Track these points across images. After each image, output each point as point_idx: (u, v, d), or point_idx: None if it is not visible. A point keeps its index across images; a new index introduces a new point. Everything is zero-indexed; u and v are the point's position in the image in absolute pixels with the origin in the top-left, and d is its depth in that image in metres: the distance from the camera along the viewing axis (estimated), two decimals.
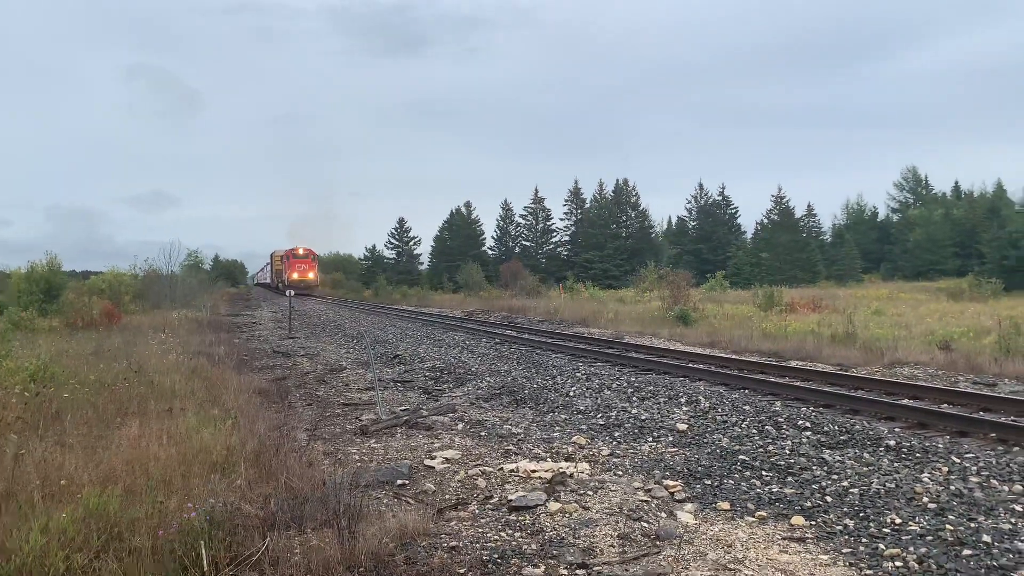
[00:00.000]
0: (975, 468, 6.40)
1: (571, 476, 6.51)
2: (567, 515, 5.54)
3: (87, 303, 24.00)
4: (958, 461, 6.62)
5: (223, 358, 14.34)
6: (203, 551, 4.28)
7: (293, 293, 32.84)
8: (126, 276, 33.40)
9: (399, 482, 6.53)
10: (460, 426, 8.90)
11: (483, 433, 8.47)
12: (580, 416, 9.30)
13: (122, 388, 9.39)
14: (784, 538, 5.05)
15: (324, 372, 13.99)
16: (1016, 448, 7.16)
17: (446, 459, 7.26)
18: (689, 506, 5.73)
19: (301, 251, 64.72)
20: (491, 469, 6.83)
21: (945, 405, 9.26)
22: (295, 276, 61.58)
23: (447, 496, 6.14)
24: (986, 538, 4.85)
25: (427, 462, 7.19)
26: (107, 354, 13.35)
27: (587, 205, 76.79)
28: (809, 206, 77.04)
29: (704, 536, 5.11)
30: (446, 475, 6.76)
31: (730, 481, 6.35)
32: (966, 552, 4.67)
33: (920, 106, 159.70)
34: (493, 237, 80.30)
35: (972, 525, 5.12)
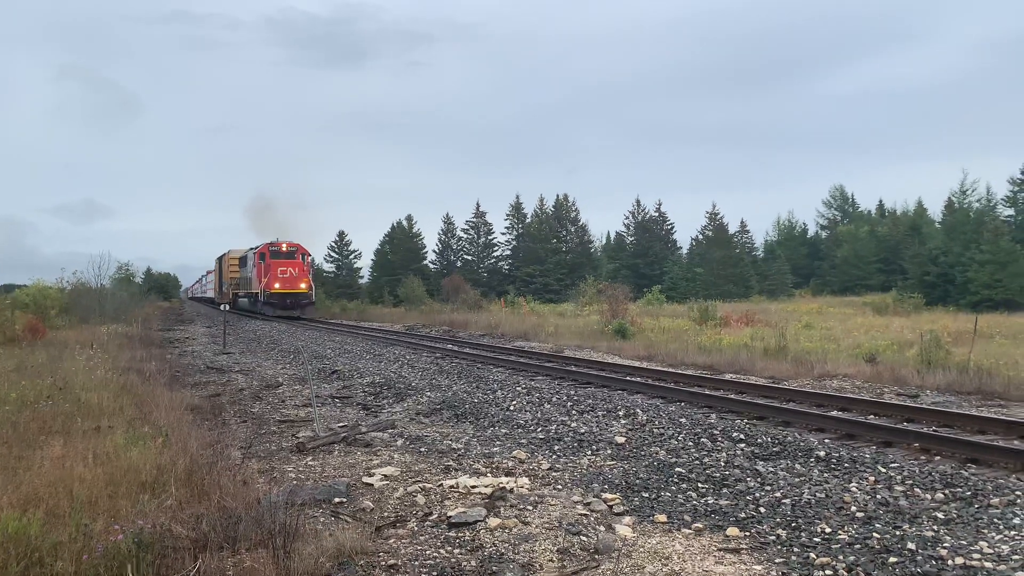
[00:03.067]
0: (900, 477, 6.64)
1: (511, 491, 6.51)
2: (507, 531, 5.53)
3: (9, 317, 22.97)
4: (884, 471, 6.85)
5: (154, 374, 13.91)
6: (130, 575, 4.14)
7: (227, 307, 30.59)
8: (52, 289, 32.09)
9: (337, 500, 6.42)
10: (400, 442, 8.81)
11: (423, 449, 8.40)
12: (520, 430, 9.31)
13: (46, 406, 9.01)
14: (720, 549, 5.14)
15: (260, 388, 13.70)
16: (938, 457, 7.45)
17: (385, 476, 7.18)
18: (627, 519, 5.79)
19: (285, 247, 40.41)
20: (431, 485, 6.78)
21: (872, 416, 9.58)
22: (277, 286, 38.94)
23: (386, 513, 6.07)
24: (911, 545, 5.03)
25: (366, 479, 7.09)
26: (30, 371, 12.82)
27: (528, 220, 77.23)
28: (742, 222, 79.07)
29: (642, 549, 5.16)
30: (385, 492, 6.69)
31: (667, 493, 6.44)
32: (892, 559, 4.83)
33: (846, 126, 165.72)
34: (435, 251, 79.90)
35: (897, 533, 5.30)
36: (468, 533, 5.49)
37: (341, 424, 9.95)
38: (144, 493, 5.64)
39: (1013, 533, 5.23)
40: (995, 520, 5.51)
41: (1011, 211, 59.43)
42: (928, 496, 6.14)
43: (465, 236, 79.56)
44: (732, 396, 11.11)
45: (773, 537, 5.33)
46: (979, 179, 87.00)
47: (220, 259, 56.98)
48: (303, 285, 39.62)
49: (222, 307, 32.80)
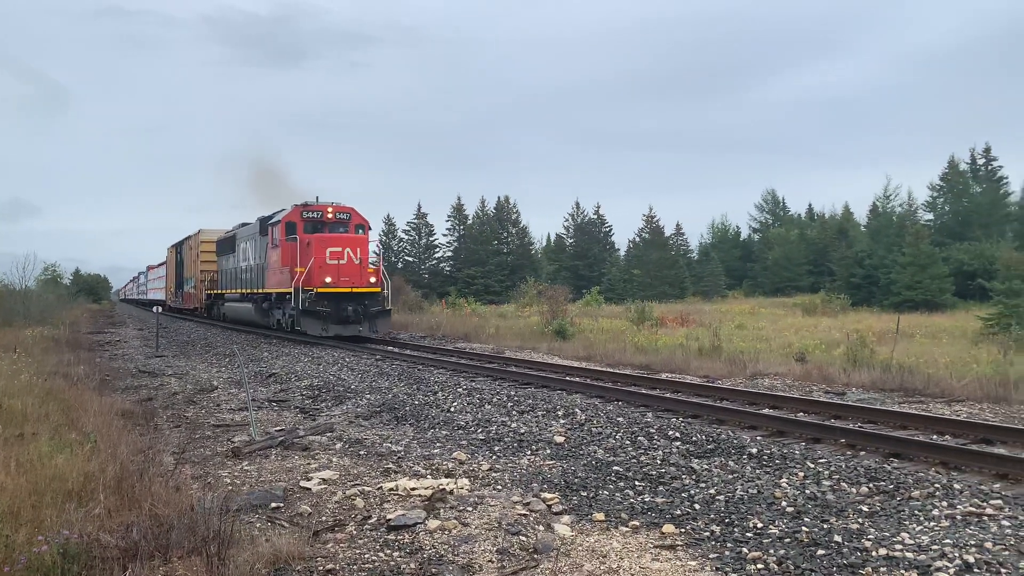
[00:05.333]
0: (827, 472, 6.87)
1: (451, 492, 6.51)
2: (447, 532, 5.53)
3: None
4: (813, 466, 7.08)
5: (83, 378, 13.44)
6: None
7: (159, 309, 29.64)
8: None
9: (273, 505, 6.33)
10: (338, 445, 8.72)
11: (362, 452, 8.33)
12: (461, 432, 9.31)
13: None
14: (656, 546, 5.25)
15: (194, 392, 13.36)
16: (863, 452, 7.74)
17: (323, 480, 7.09)
18: (566, 518, 5.85)
19: (332, 212, 23.66)
20: (370, 488, 6.73)
21: (801, 414, 9.89)
22: (327, 280, 21.51)
23: (324, 518, 6.01)
24: (837, 538, 5.22)
25: (303, 483, 7.00)
26: None
27: (469, 221, 77.16)
28: (678, 225, 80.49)
29: (580, 548, 5.23)
30: (323, 496, 6.61)
31: (605, 492, 6.53)
32: (820, 552, 5.00)
33: (778, 133, 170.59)
34: (375, 252, 79.15)
35: (825, 526, 5.49)
36: (407, 536, 5.47)
37: (278, 428, 9.79)
38: (71, 502, 5.45)
39: (933, 524, 5.47)
40: (916, 512, 5.75)
41: (931, 215, 62.07)
42: (854, 490, 6.37)
43: (406, 237, 79.04)
44: (668, 395, 11.32)
45: (707, 533, 5.47)
46: (901, 185, 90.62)
47: (179, 246, 41.98)
48: (372, 279, 22.01)
49: (155, 309, 29.93)
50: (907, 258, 44.06)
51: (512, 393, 11.79)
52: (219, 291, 32.75)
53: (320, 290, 21.20)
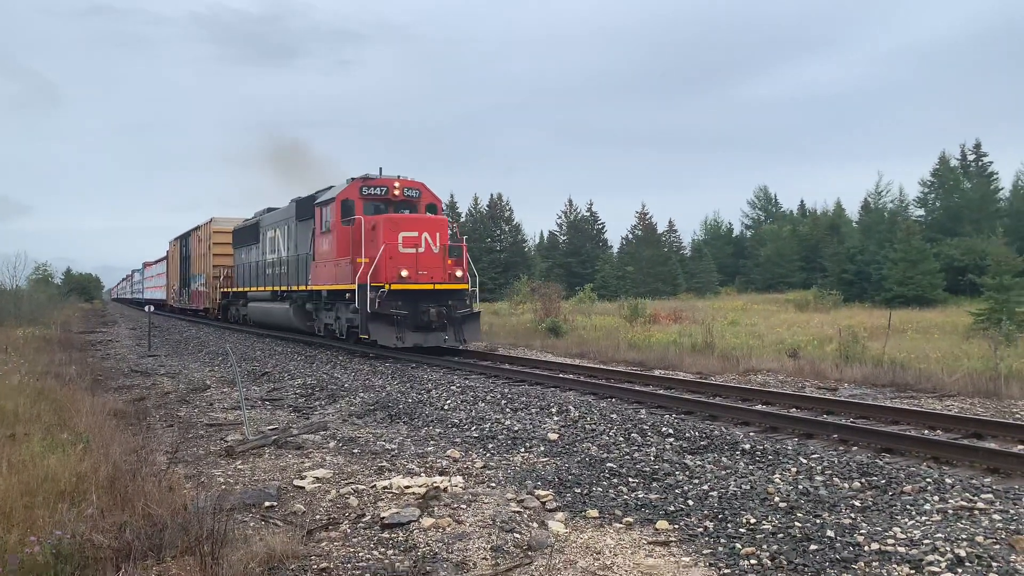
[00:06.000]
0: (820, 467, 6.90)
1: (445, 490, 6.51)
2: (441, 530, 5.54)
3: None
4: (805, 462, 7.11)
5: (75, 378, 13.37)
6: None
7: (151, 309, 28.27)
8: None
9: (267, 504, 6.32)
10: (332, 444, 8.71)
11: (356, 450, 8.33)
12: (455, 429, 9.31)
13: None
14: (650, 542, 5.26)
15: (187, 391, 13.32)
16: (855, 447, 7.78)
17: (317, 478, 7.09)
18: (560, 515, 5.86)
19: (400, 188, 18.45)
20: (364, 487, 6.73)
21: (793, 409, 9.93)
22: (404, 274, 16.43)
23: (318, 516, 6.00)
24: (830, 533, 5.24)
25: (297, 482, 6.99)
26: None
27: (463, 219, 77.10)
28: (670, 222, 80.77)
29: (574, 544, 5.24)
30: (317, 495, 6.61)
31: (599, 489, 6.55)
32: (813, 547, 5.02)
33: (771, 130, 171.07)
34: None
35: (818, 521, 5.52)
36: (401, 534, 5.48)
37: (272, 427, 9.77)
38: (63, 502, 5.44)
39: (924, 518, 5.50)
40: (908, 506, 5.78)
41: (922, 211, 62.28)
42: (846, 485, 6.40)
43: None
44: (661, 392, 11.34)
45: (701, 529, 5.48)
46: (892, 181, 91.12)
47: (184, 239, 37.35)
48: (458, 273, 17.41)
49: (147, 308, 28.25)
50: (898, 254, 44.20)
51: (506, 390, 11.79)
52: (238, 289, 27.90)
53: (394, 287, 16.20)
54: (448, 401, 11.10)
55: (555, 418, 9.58)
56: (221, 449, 8.45)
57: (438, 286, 16.89)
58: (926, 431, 8.41)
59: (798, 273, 65.44)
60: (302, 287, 20.46)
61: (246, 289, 26.59)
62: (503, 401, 10.86)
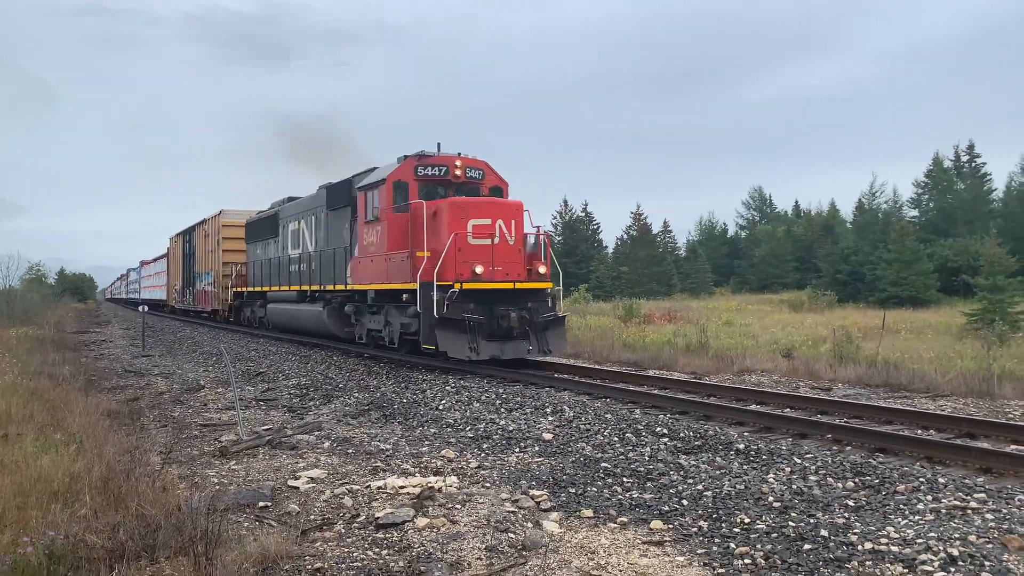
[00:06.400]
0: (814, 467, 6.91)
1: (439, 490, 6.51)
2: (435, 530, 5.54)
3: None
4: (799, 461, 7.12)
5: (68, 378, 13.34)
6: None
7: (145, 309, 28.15)
8: None
9: (261, 504, 6.31)
10: (326, 444, 8.70)
11: (350, 450, 8.32)
12: (449, 429, 9.31)
13: None
14: (644, 542, 5.27)
15: (181, 392, 13.30)
16: (849, 447, 7.79)
17: (311, 479, 7.08)
18: (554, 515, 5.87)
19: (461, 167, 15.25)
20: (358, 487, 6.72)
21: (788, 409, 9.94)
22: (478, 271, 13.46)
23: (312, 517, 6.00)
24: (824, 532, 5.25)
25: (291, 482, 6.98)
26: None
27: None
28: (665, 223, 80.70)
29: (569, 544, 5.24)
30: (311, 495, 6.60)
31: (593, 488, 6.55)
32: (807, 547, 5.04)
33: (765, 131, 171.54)
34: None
35: (812, 521, 5.53)
36: (396, 534, 5.47)
37: (266, 427, 9.76)
38: (56, 503, 5.42)
39: (917, 518, 5.52)
40: (901, 506, 5.80)
41: (915, 212, 62.51)
42: (840, 485, 6.41)
43: None
44: (655, 392, 11.35)
45: (695, 529, 5.49)
46: (887, 182, 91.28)
47: (187, 235, 34.64)
48: (542, 269, 14.81)
49: (140, 309, 27.52)
50: (892, 254, 44.34)
51: (500, 391, 11.79)
52: (253, 288, 24.96)
53: (467, 286, 13.26)
54: (443, 401, 11.09)
55: (550, 418, 9.59)
56: (215, 449, 8.44)
57: (519, 285, 13.99)
58: (919, 431, 8.44)
59: (792, 274, 65.58)
60: (338, 286, 17.53)
61: (264, 288, 23.55)
62: (498, 401, 10.86)
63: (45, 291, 47.03)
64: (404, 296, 14.30)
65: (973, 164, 64.34)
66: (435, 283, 13.12)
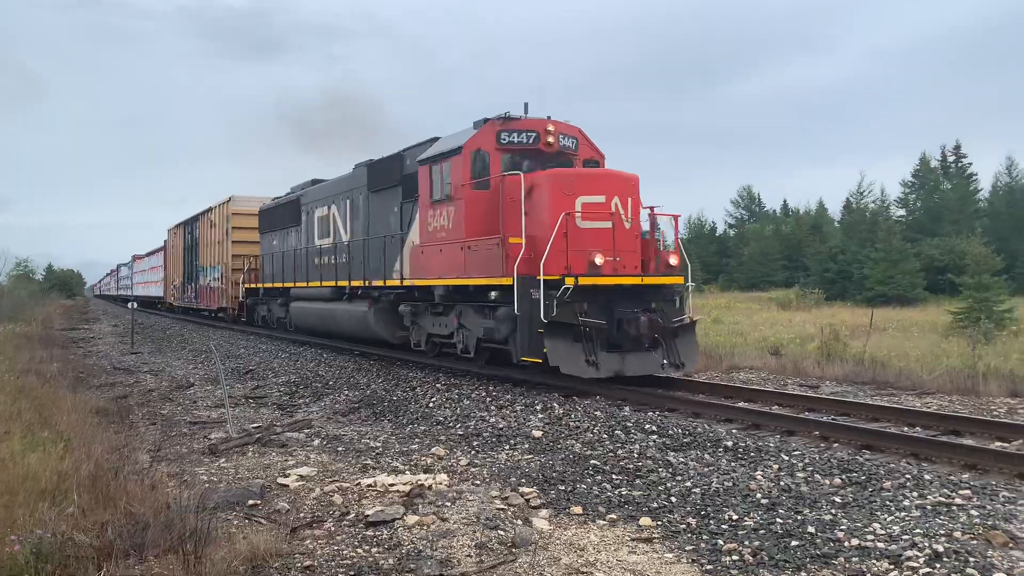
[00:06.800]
0: (801, 464, 6.96)
1: (429, 488, 6.52)
2: (425, 527, 5.55)
3: None
4: (787, 458, 7.17)
5: (56, 376, 13.26)
6: None
7: (134, 305, 27.99)
8: None
9: (251, 502, 6.30)
10: (316, 442, 8.70)
11: (340, 448, 8.32)
12: (439, 427, 9.32)
13: None
14: (633, 539, 5.30)
15: (170, 389, 13.25)
16: (836, 444, 7.85)
17: (301, 476, 7.08)
18: (544, 512, 5.89)
19: (554, 134, 12.51)
20: (348, 485, 6.72)
21: (775, 407, 10.00)
22: (597, 260, 10.70)
23: (302, 514, 6.00)
24: (811, 529, 5.30)
25: (281, 480, 6.98)
26: None
27: None
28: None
29: (558, 541, 5.27)
30: (301, 493, 6.60)
31: (583, 485, 6.58)
32: (794, 543, 5.07)
33: (753, 128, 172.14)
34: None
35: (799, 517, 5.57)
36: (386, 531, 5.48)
37: (256, 425, 9.74)
38: (44, 501, 5.40)
39: (903, 515, 5.57)
40: (887, 503, 5.85)
41: (903, 211, 62.87)
42: (827, 482, 6.46)
43: None
44: (645, 389, 11.38)
45: (684, 526, 5.53)
46: (874, 181, 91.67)
47: (189, 225, 32.31)
48: (672, 260, 11.93)
49: (130, 305, 27.20)
50: (879, 253, 44.57)
51: (491, 388, 11.80)
52: (270, 284, 22.32)
53: (584, 281, 10.51)
54: (433, 399, 11.10)
55: (539, 415, 9.61)
56: (204, 447, 8.42)
57: (648, 280, 11.27)
58: (905, 428, 8.51)
59: (781, 272, 65.77)
60: (391, 282, 14.75)
61: (285, 284, 20.84)
62: (488, 399, 10.87)
63: (33, 287, 46.68)
64: (492, 294, 11.56)
65: (960, 164, 64.76)
66: (543, 278, 10.36)
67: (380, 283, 15.24)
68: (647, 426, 8.73)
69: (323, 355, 17.53)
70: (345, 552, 5.12)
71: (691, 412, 9.71)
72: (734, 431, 8.54)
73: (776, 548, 5.00)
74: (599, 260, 10.80)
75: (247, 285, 24.53)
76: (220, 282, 26.94)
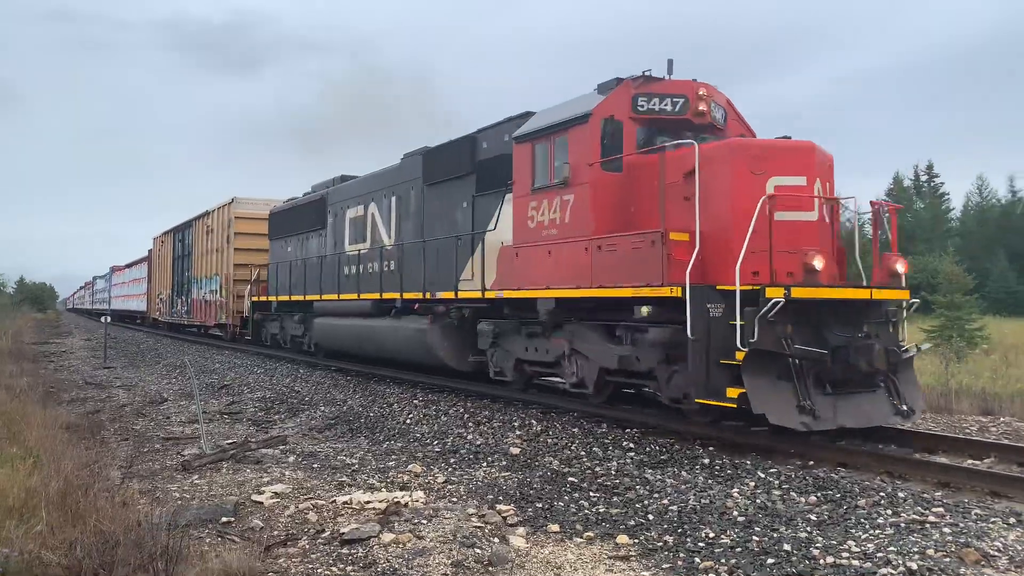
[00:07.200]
0: (778, 482, 6.99)
1: (406, 505, 6.47)
2: (401, 546, 5.50)
3: None
4: (763, 476, 7.20)
5: (25, 390, 13.02)
6: None
7: (107, 319, 27.73)
8: None
9: (224, 519, 6.22)
10: (292, 458, 8.61)
11: (316, 465, 8.24)
12: (416, 444, 9.27)
13: None
14: (610, 557, 5.28)
15: (143, 404, 13.07)
16: (812, 462, 7.89)
17: (276, 493, 7.00)
18: (521, 530, 5.86)
19: (705, 100, 9.82)
20: (323, 502, 6.66)
21: (753, 426, 10.02)
22: (815, 262, 7.92)
23: (276, 532, 5.92)
24: (787, 547, 5.31)
25: (255, 497, 6.89)
26: None
27: None
28: None
29: (535, 559, 5.24)
30: (275, 510, 6.52)
31: (560, 503, 6.56)
32: (770, 560, 5.09)
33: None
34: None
35: (775, 535, 5.59)
36: (361, 549, 5.43)
37: (230, 441, 9.62)
38: (11, 519, 5.30)
39: (878, 532, 5.60)
40: (862, 520, 5.89)
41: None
42: (803, 499, 6.50)
43: None
44: (624, 405, 11.37)
45: (661, 543, 5.52)
46: (848, 200, 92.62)
47: (180, 232, 29.73)
48: (899, 266, 8.94)
49: (103, 319, 25.99)
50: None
51: (468, 404, 11.76)
52: (283, 298, 19.11)
53: (800, 293, 7.72)
54: (410, 415, 11.04)
55: (517, 432, 9.58)
56: (177, 464, 8.30)
57: (878, 293, 8.55)
58: (880, 445, 8.57)
59: None
60: (468, 293, 11.76)
61: (307, 297, 17.57)
62: (465, 415, 10.83)
63: (3, 301, 45.95)
64: (643, 310, 8.80)
65: (932, 183, 65.95)
66: (737, 287, 7.64)
67: (447, 295, 12.25)
68: (624, 443, 8.73)
69: (299, 370, 17.40)
70: (320, 571, 5.06)
71: (668, 429, 9.53)
72: (711, 448, 8.53)
73: (752, 566, 5.00)
74: (818, 264, 8.03)
75: (254, 298, 21.52)
76: (218, 295, 24.23)
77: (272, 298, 20.09)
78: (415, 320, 13.36)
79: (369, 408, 11.81)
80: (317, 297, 17.11)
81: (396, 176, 14.61)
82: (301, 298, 17.96)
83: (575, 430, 9.50)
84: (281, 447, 9.18)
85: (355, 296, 15.34)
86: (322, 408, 12.07)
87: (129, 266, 45.14)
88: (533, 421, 10.10)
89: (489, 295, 11.23)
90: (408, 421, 10.65)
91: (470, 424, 10.24)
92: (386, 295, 14.17)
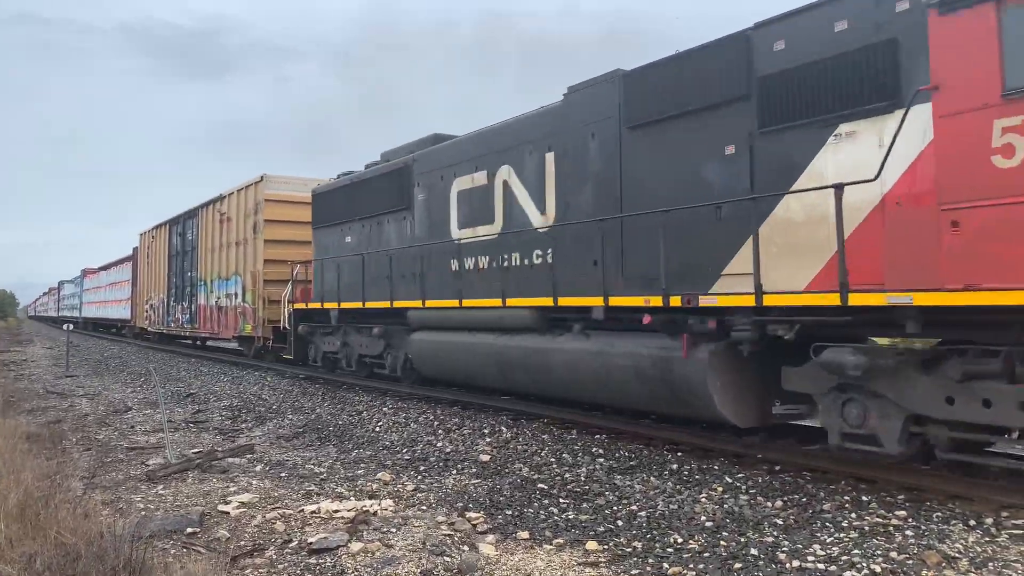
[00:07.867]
0: (745, 487, 7.06)
1: (375, 514, 6.43)
2: (369, 555, 5.46)
3: None
4: (731, 481, 7.27)
5: None
6: None
7: (70, 327, 27.53)
8: None
9: (189, 530, 6.13)
10: (259, 467, 8.51)
11: (283, 474, 8.15)
12: (386, 451, 9.21)
13: None
14: (579, 563, 5.29)
15: (106, 413, 12.84)
16: (778, 467, 7.97)
17: (242, 503, 6.91)
18: (491, 537, 5.85)
19: None
20: (291, 511, 6.59)
21: (722, 432, 10.10)
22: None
23: (242, 542, 5.85)
24: (754, 551, 5.36)
25: (221, 507, 6.80)
26: None
27: None
28: None
29: (505, 567, 5.23)
30: (242, 520, 6.44)
31: (530, 510, 6.56)
32: (737, 565, 5.13)
33: None
34: None
35: (742, 540, 5.64)
36: (329, 559, 5.38)
37: (196, 450, 9.49)
38: None
39: (843, 535, 5.68)
40: (827, 524, 5.96)
41: None
42: (769, 504, 6.56)
43: None
44: (594, 412, 11.41)
45: (630, 549, 5.55)
46: None
47: (180, 223, 24.82)
48: None
49: (65, 327, 27.14)
50: None
51: (438, 412, 11.72)
52: (353, 304, 14.10)
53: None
54: (380, 423, 10.98)
55: (487, 439, 9.57)
56: (142, 474, 8.17)
57: None
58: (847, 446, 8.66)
59: None
60: (806, 299, 6.79)
61: (396, 304, 12.84)
62: (435, 423, 10.79)
63: None
64: None
65: None
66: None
67: (737, 300, 7.38)
68: (594, 449, 8.76)
69: (267, 378, 17.20)
70: None
71: (638, 434, 9.64)
72: (680, 454, 8.60)
73: (720, 571, 5.04)
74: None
75: (296, 305, 16.47)
76: (240, 299, 19.37)
77: (331, 305, 14.94)
78: (645, 342, 8.44)
79: (338, 416, 11.72)
80: (417, 304, 12.23)
81: (554, 122, 9.94)
82: (386, 305, 13.03)
83: (545, 436, 9.51)
84: (248, 456, 9.08)
85: (499, 303, 10.50)
86: (290, 416, 11.96)
87: (106, 268, 39.49)
88: (503, 428, 10.09)
89: (874, 301, 6.24)
90: (377, 429, 10.58)
91: (440, 431, 10.20)
92: (569, 301, 9.44)
